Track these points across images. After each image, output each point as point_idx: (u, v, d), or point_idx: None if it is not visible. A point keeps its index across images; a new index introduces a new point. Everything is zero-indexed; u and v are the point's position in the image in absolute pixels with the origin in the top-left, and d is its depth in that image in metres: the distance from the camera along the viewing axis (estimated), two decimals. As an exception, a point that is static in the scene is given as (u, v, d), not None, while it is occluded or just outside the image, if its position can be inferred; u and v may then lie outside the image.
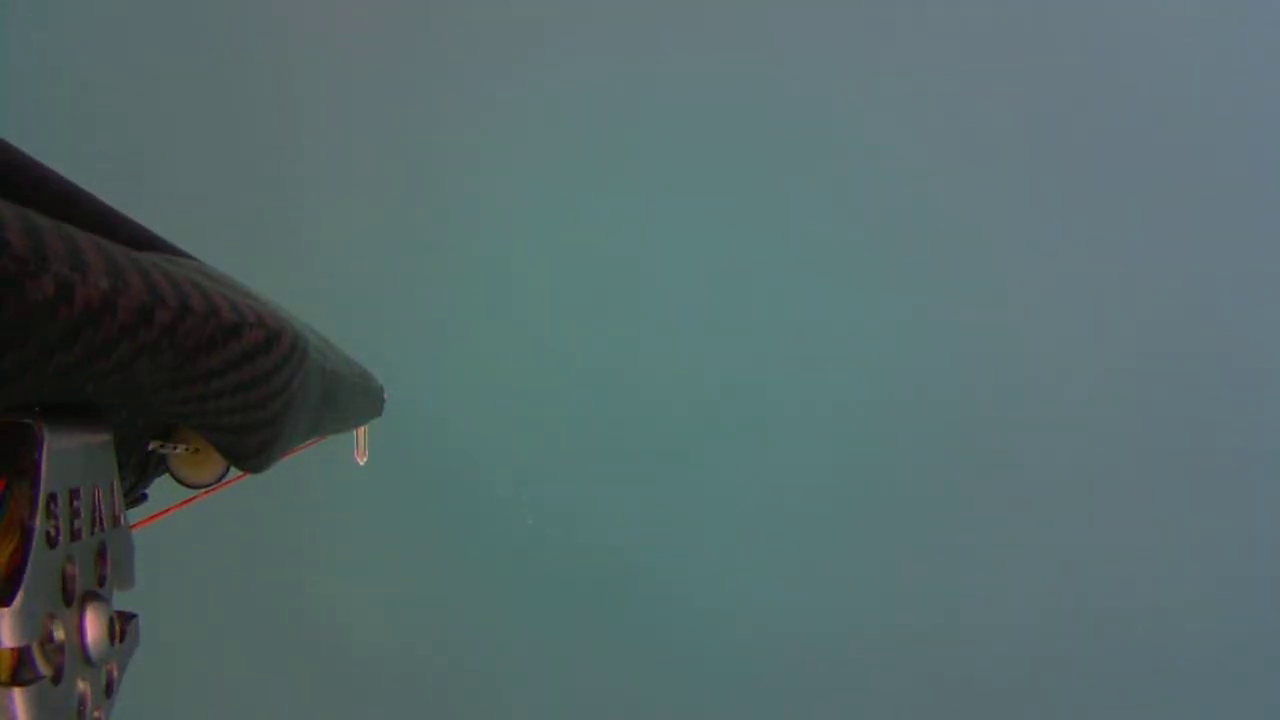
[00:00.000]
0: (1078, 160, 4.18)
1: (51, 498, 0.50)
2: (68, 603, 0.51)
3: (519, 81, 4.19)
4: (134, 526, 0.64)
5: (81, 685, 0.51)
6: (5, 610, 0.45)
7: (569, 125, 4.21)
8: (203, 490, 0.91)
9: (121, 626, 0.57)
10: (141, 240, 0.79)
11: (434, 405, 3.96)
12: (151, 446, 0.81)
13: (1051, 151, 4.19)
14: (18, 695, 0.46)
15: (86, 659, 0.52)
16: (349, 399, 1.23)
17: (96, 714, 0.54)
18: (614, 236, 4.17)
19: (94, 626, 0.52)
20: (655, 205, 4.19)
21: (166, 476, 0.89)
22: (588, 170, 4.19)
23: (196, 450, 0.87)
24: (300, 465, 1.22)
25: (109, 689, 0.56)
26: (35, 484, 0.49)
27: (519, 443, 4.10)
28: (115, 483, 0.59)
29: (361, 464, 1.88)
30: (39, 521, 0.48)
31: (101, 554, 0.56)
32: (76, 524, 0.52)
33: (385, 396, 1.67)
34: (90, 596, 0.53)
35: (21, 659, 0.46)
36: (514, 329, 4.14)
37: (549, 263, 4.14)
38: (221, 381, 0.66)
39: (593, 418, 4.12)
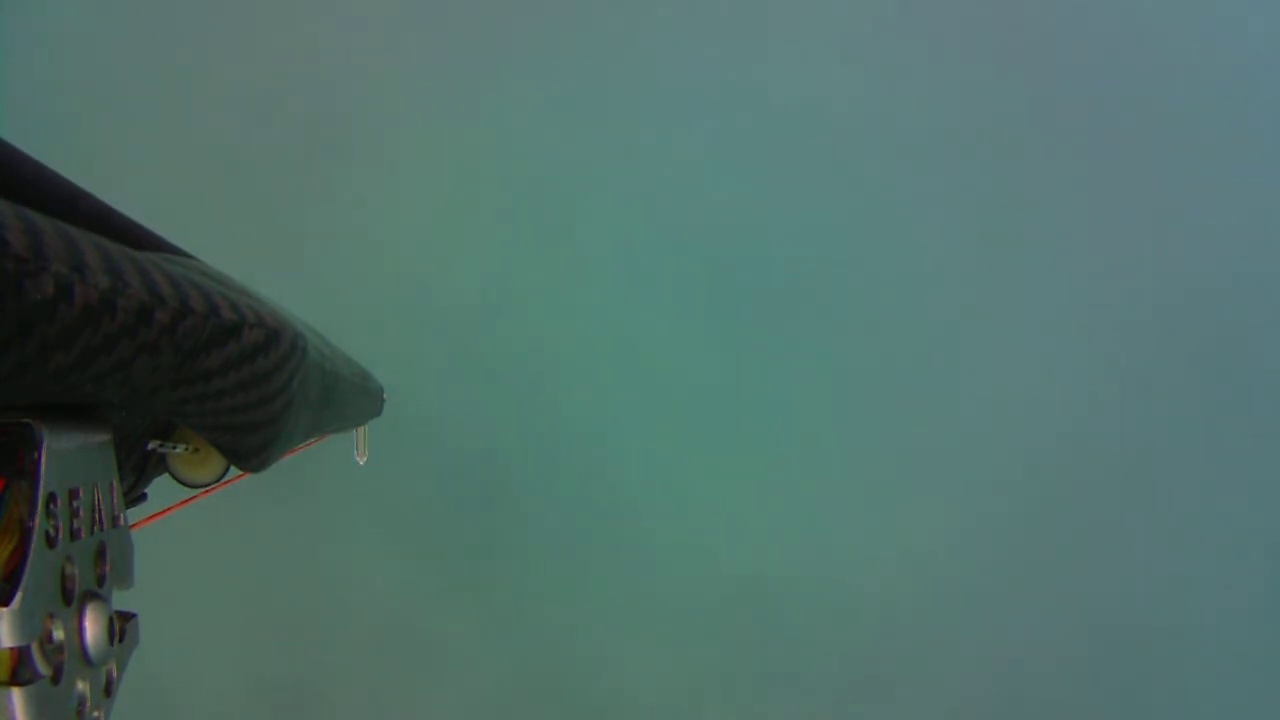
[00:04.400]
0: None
1: (51, 498, 0.50)
2: (67, 602, 0.51)
3: (510, 79, 4.21)
4: (134, 526, 0.64)
5: (81, 685, 0.51)
6: (4, 610, 0.45)
7: (570, 120, 4.22)
8: (203, 490, 0.91)
9: (121, 626, 0.57)
10: (141, 240, 0.80)
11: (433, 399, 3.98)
12: (151, 446, 0.81)
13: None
14: (17, 695, 0.46)
15: (86, 659, 0.52)
16: (348, 398, 1.23)
17: (96, 714, 0.53)
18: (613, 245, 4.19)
19: (93, 626, 0.52)
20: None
21: (166, 476, 0.89)
22: (585, 175, 4.20)
23: (196, 450, 0.87)
24: (300, 465, 1.22)
25: (108, 689, 0.56)
26: (35, 484, 0.49)
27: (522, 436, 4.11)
28: (115, 483, 0.59)
29: (361, 464, 1.88)
30: (38, 521, 0.48)
31: (101, 554, 0.56)
32: (76, 524, 0.52)
33: (384, 396, 1.67)
34: (90, 596, 0.53)
35: (21, 659, 0.46)
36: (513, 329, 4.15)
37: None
38: (221, 381, 0.65)
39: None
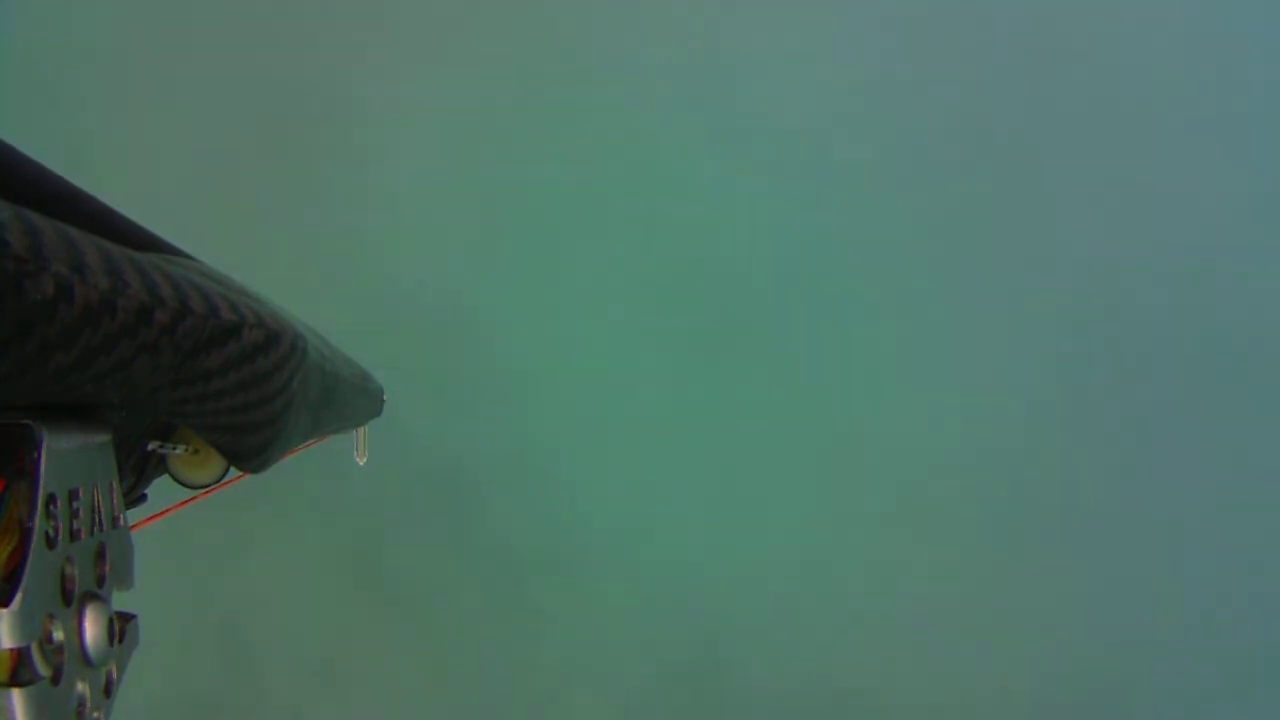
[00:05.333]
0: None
1: (51, 498, 0.50)
2: (67, 603, 0.50)
3: (510, 86, 4.22)
4: (134, 527, 0.64)
5: (81, 686, 0.51)
6: (4, 611, 0.44)
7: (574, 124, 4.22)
8: (203, 490, 0.91)
9: (121, 627, 0.57)
10: (142, 241, 0.79)
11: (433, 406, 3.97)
12: (151, 446, 0.81)
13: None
14: (17, 696, 0.46)
15: (86, 659, 0.51)
16: (348, 399, 1.23)
17: (96, 714, 0.53)
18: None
19: (93, 627, 0.52)
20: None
21: (166, 476, 0.89)
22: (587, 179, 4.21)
23: (196, 450, 0.86)
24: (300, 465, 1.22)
25: (108, 689, 0.56)
26: (35, 484, 0.49)
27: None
28: (115, 483, 0.59)
29: (361, 464, 1.87)
30: (38, 522, 0.48)
31: (101, 555, 0.56)
32: (76, 525, 0.52)
33: (384, 397, 1.67)
34: (89, 597, 0.53)
35: (21, 659, 0.46)
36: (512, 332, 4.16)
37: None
38: (221, 381, 0.65)
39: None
